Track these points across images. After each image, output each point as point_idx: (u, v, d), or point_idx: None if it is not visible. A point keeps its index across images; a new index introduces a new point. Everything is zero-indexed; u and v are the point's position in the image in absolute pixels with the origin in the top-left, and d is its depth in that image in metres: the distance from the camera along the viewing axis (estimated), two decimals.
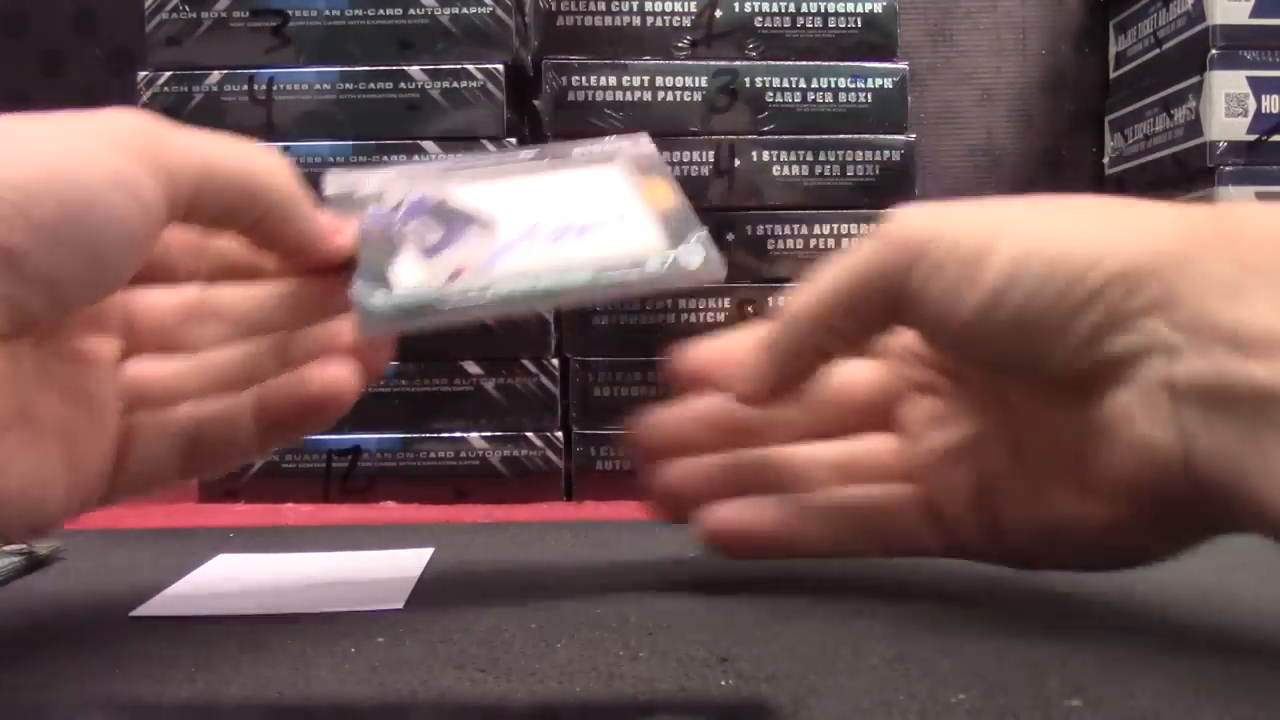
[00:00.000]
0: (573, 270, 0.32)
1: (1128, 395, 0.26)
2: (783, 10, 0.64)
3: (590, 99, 0.63)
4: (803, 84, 0.64)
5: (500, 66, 0.61)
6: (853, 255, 0.30)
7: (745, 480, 0.34)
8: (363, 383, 0.31)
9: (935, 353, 0.33)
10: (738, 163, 0.64)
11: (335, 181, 0.36)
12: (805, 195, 0.64)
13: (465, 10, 0.62)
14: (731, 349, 0.34)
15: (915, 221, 0.29)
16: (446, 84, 0.62)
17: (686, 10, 0.64)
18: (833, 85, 0.64)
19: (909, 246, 0.29)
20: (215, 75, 0.61)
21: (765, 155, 0.64)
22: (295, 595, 0.36)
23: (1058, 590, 0.33)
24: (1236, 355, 0.25)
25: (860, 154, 0.64)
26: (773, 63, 0.64)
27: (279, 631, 0.30)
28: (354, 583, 0.38)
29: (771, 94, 0.64)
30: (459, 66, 0.61)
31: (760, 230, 0.64)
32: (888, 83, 0.65)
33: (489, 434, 0.61)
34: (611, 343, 0.62)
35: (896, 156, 0.64)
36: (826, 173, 0.64)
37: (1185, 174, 0.74)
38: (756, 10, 0.64)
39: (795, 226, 0.64)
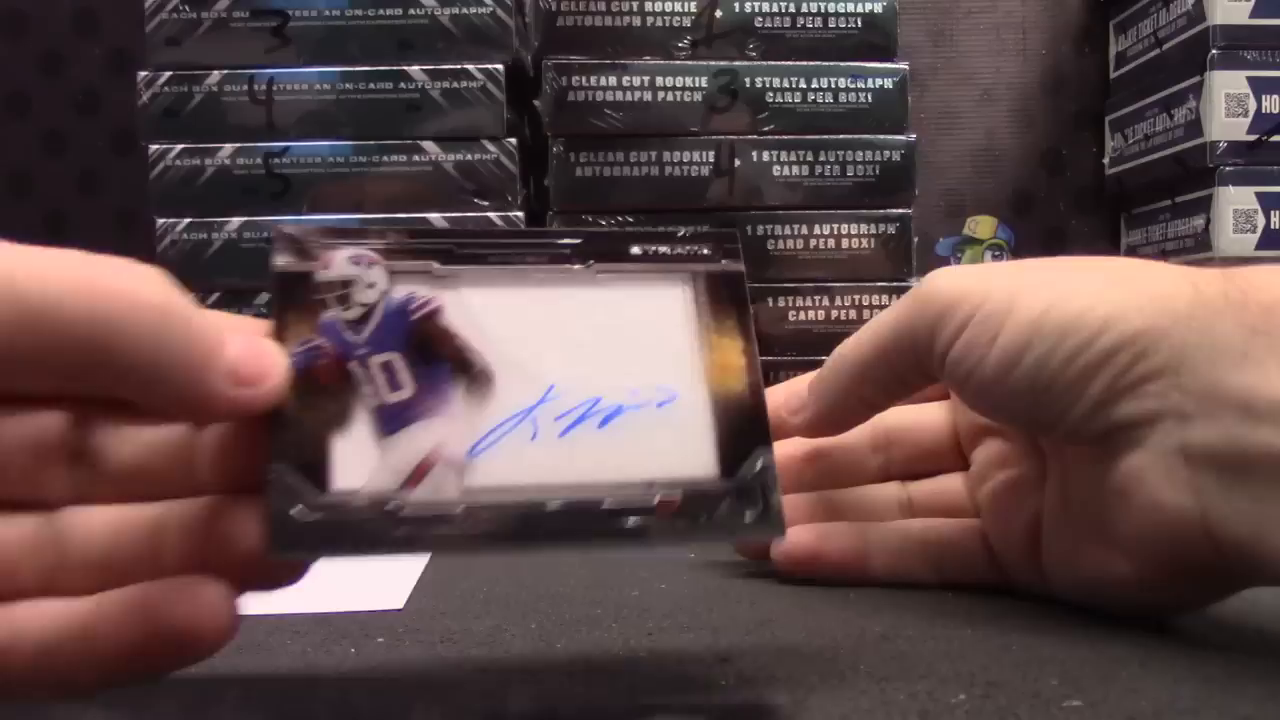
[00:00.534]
0: (577, 497, 0.23)
1: (1143, 459, 0.27)
2: (783, 10, 0.64)
3: (590, 99, 0.63)
4: (803, 84, 0.64)
5: (500, 66, 0.61)
6: (889, 313, 0.32)
7: (817, 512, 0.37)
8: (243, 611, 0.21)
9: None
10: (738, 163, 0.63)
11: (287, 249, 0.24)
12: (805, 195, 0.64)
13: (465, 10, 0.62)
14: (796, 386, 0.36)
15: (943, 284, 0.31)
16: (446, 84, 0.62)
17: (686, 10, 0.64)
18: (833, 85, 0.64)
19: (935, 308, 0.30)
20: (215, 75, 0.61)
21: (765, 155, 0.64)
22: (295, 595, 0.36)
23: None
24: (1248, 422, 0.25)
25: (860, 154, 0.64)
26: (773, 63, 0.64)
27: (279, 631, 0.30)
28: (354, 583, 0.38)
29: (771, 94, 0.64)
30: (459, 66, 0.61)
31: (760, 230, 0.64)
32: (888, 83, 0.65)
33: None
34: None
35: (896, 157, 0.64)
36: (826, 173, 0.64)
37: (1185, 174, 0.74)
38: (756, 10, 0.64)
39: (795, 226, 0.64)
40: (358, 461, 0.22)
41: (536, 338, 0.25)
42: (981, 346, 0.29)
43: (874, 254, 0.64)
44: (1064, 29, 0.86)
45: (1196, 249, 0.74)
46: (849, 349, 0.33)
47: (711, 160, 0.63)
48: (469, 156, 0.62)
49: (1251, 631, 0.30)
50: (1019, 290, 0.29)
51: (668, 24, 0.64)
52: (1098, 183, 0.86)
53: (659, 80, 0.63)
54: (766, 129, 0.64)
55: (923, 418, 0.37)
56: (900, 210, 0.65)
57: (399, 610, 0.33)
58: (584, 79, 0.63)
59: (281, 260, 0.24)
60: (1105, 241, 0.86)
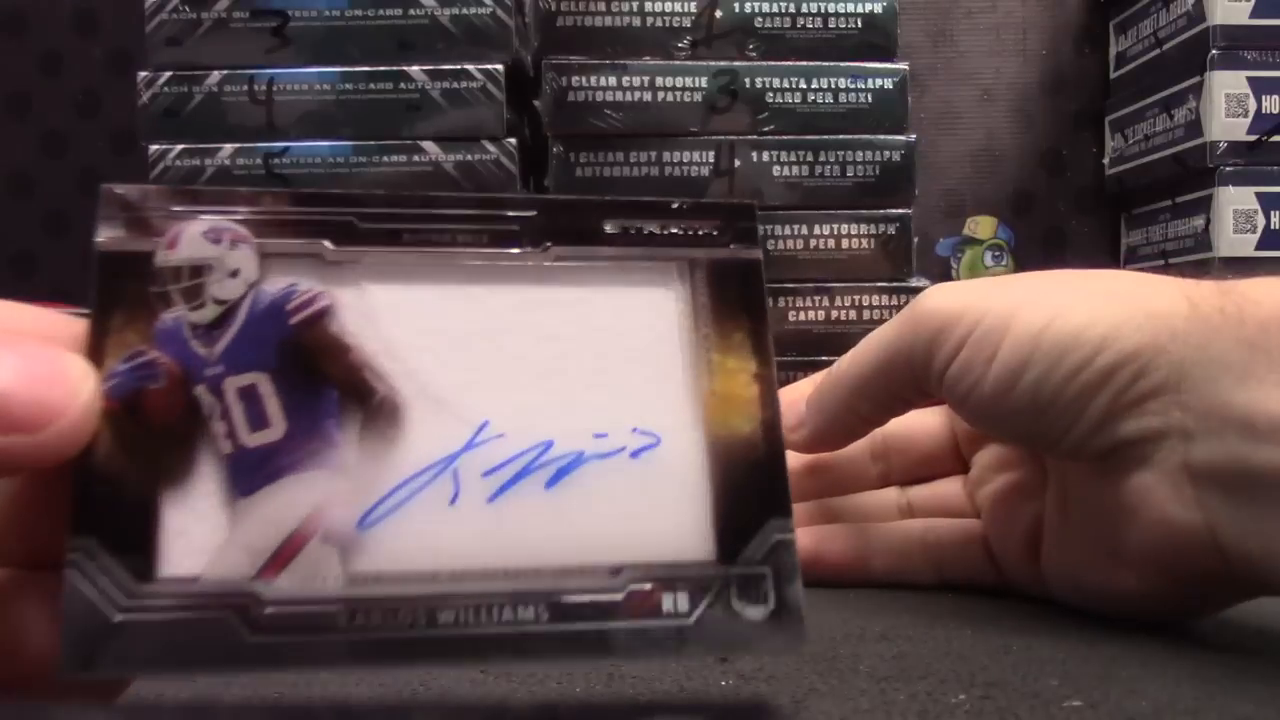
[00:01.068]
0: (510, 590, 0.16)
1: (1149, 476, 0.27)
2: (783, 11, 0.64)
3: (590, 99, 0.63)
4: (803, 84, 0.64)
5: (500, 67, 0.61)
6: (885, 330, 0.32)
7: (816, 517, 0.37)
8: None
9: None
10: (738, 163, 0.63)
11: (117, 217, 0.17)
12: (805, 195, 0.64)
13: (465, 10, 0.62)
14: (793, 398, 0.36)
15: (939, 301, 0.30)
16: (446, 84, 0.62)
17: (686, 10, 0.64)
18: (833, 86, 0.64)
19: (932, 326, 0.30)
20: (215, 75, 0.61)
21: (765, 155, 0.64)
22: None
23: None
24: (1251, 441, 0.25)
25: (860, 154, 0.64)
26: (773, 63, 0.64)
27: None
28: None
29: (771, 94, 0.64)
30: (459, 67, 0.61)
31: (760, 230, 0.63)
32: (888, 83, 0.65)
33: None
34: None
35: (896, 157, 0.64)
36: (826, 173, 0.64)
37: (1185, 174, 0.74)
38: (756, 11, 0.64)
39: (795, 227, 0.64)
40: (198, 536, 0.16)
41: (465, 355, 0.18)
42: (980, 365, 0.29)
43: (874, 254, 0.64)
44: (1064, 29, 0.86)
45: (1196, 249, 0.74)
46: (846, 366, 0.33)
47: (711, 160, 0.63)
48: (469, 157, 0.62)
49: (1252, 632, 0.30)
50: (1016, 307, 0.29)
51: (668, 24, 0.64)
52: (1098, 183, 0.86)
53: (659, 80, 0.63)
54: (766, 129, 0.64)
55: (922, 424, 0.37)
56: (900, 210, 0.65)
57: None
58: (584, 79, 0.63)
59: (107, 234, 0.17)
60: (1105, 242, 0.86)
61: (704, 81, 0.63)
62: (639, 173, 0.63)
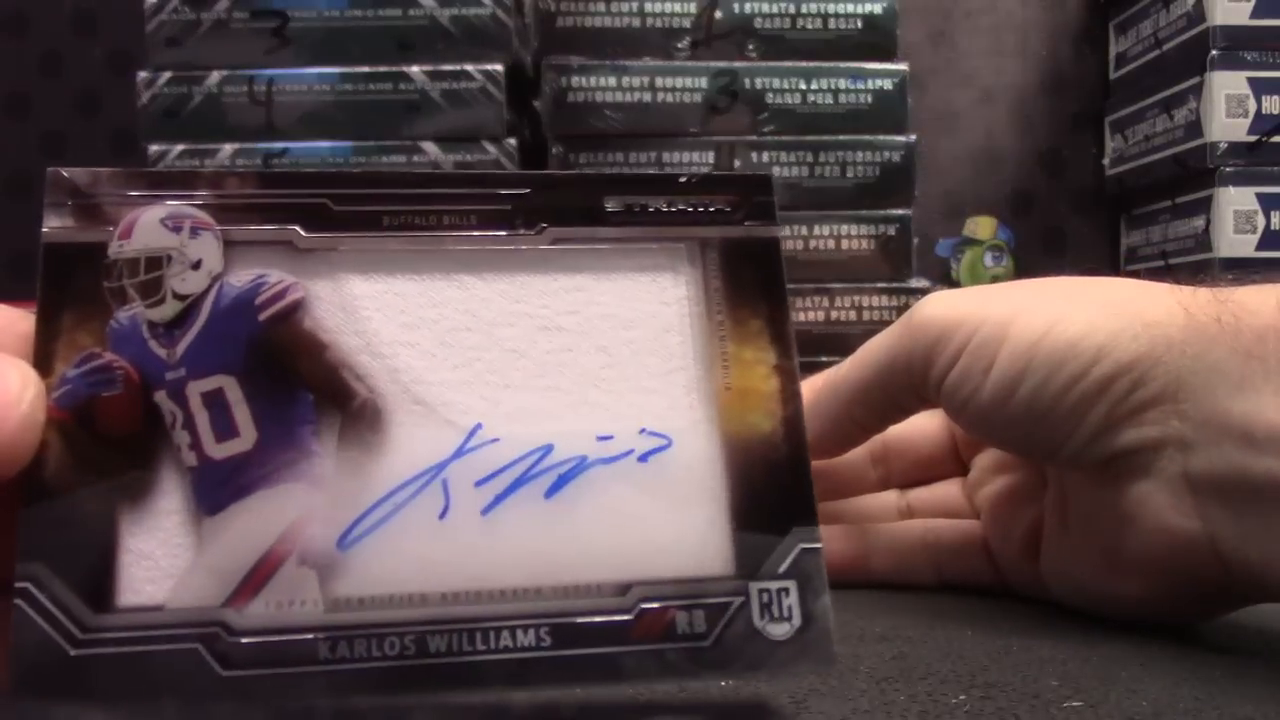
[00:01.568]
0: (506, 613, 0.15)
1: (1148, 486, 0.27)
2: (783, 11, 0.64)
3: (590, 99, 0.63)
4: (803, 85, 0.64)
5: (500, 67, 0.61)
6: (883, 339, 0.32)
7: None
8: None
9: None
10: (737, 163, 0.63)
11: (66, 205, 0.16)
12: (805, 196, 0.64)
13: (465, 11, 0.62)
14: None
15: (936, 310, 0.30)
16: (446, 84, 0.62)
17: (686, 11, 0.64)
18: (833, 86, 0.64)
19: (929, 335, 0.30)
20: (215, 75, 0.61)
21: (765, 156, 0.64)
22: None
23: None
24: (1250, 451, 0.25)
25: (860, 155, 0.64)
26: (773, 63, 0.64)
27: None
28: None
29: (771, 95, 0.64)
30: (459, 67, 0.61)
31: None
32: (888, 84, 0.65)
33: None
34: None
35: (896, 157, 0.64)
36: (826, 173, 0.64)
37: (1185, 175, 0.74)
38: (756, 11, 0.64)
39: (795, 227, 0.64)
40: (161, 560, 0.14)
41: (454, 351, 0.16)
42: (977, 375, 0.29)
43: (874, 255, 0.64)
44: (1064, 30, 0.86)
45: (1197, 250, 0.74)
46: (844, 375, 0.33)
47: (711, 161, 0.63)
48: (469, 157, 0.62)
49: (1252, 633, 0.30)
50: (1013, 316, 0.29)
51: (667, 24, 0.64)
52: (1097, 183, 0.86)
53: (659, 81, 0.63)
54: (766, 130, 0.64)
55: (921, 427, 0.37)
56: (900, 211, 0.65)
57: None
58: (584, 79, 0.63)
59: (54, 223, 0.16)
60: (1105, 243, 0.86)
61: (704, 82, 0.63)
62: None
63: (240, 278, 0.15)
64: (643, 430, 0.16)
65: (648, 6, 0.63)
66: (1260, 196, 0.71)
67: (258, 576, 0.14)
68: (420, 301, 0.16)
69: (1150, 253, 0.80)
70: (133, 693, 0.13)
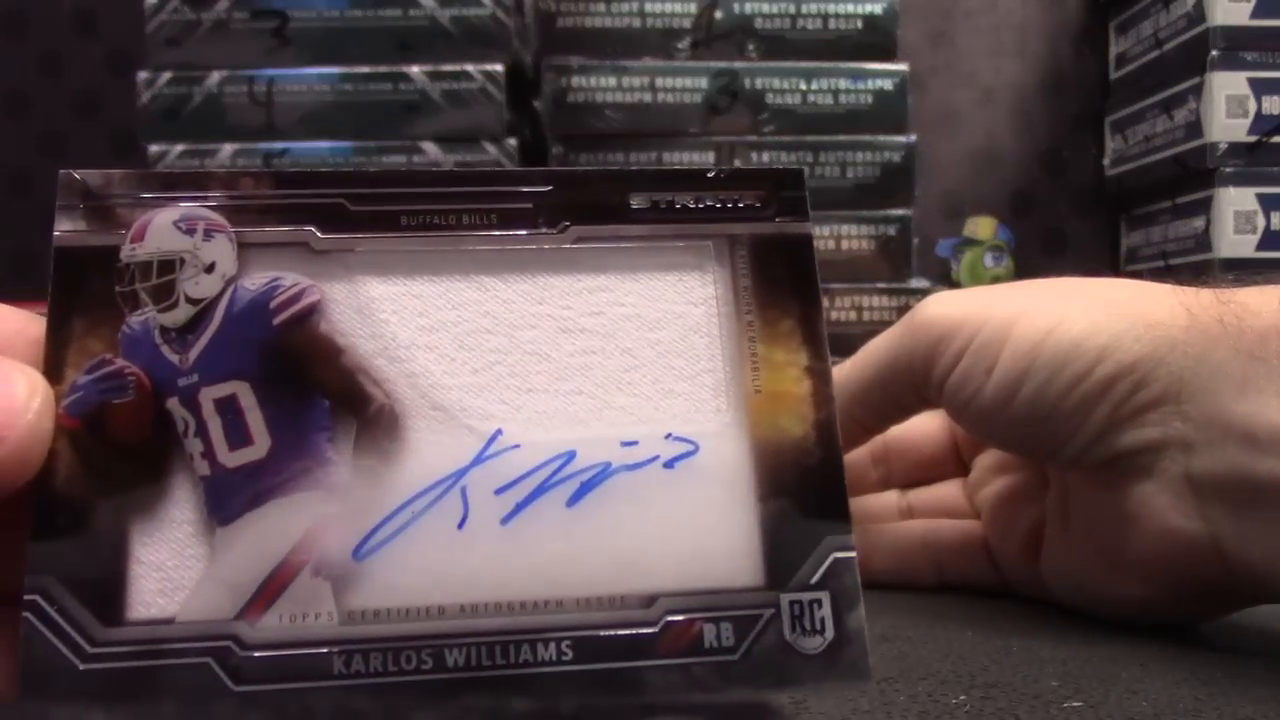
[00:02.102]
0: (528, 626, 0.14)
1: (1151, 487, 0.27)
2: (783, 11, 0.64)
3: (590, 99, 0.63)
4: (803, 85, 0.64)
5: (500, 67, 0.61)
6: (884, 339, 0.32)
7: None
8: None
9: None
10: (738, 163, 0.63)
11: (78, 208, 0.15)
12: None
13: (465, 11, 0.62)
14: None
15: (938, 310, 0.30)
16: (446, 84, 0.62)
17: (686, 11, 0.64)
18: (833, 86, 0.64)
19: (931, 336, 0.30)
20: (215, 76, 0.61)
21: (765, 156, 0.64)
22: None
23: None
24: (1253, 453, 0.25)
25: (860, 155, 0.64)
26: (773, 64, 0.64)
27: None
28: None
29: (771, 95, 0.64)
30: (459, 67, 0.61)
31: None
32: (888, 84, 0.65)
33: None
34: None
35: (896, 157, 0.64)
36: (826, 173, 0.64)
37: (1186, 175, 0.74)
38: (756, 11, 0.64)
39: None
40: (173, 571, 0.14)
41: (474, 354, 0.15)
42: (979, 376, 0.29)
43: (874, 255, 0.64)
44: (1064, 30, 0.86)
45: (1197, 250, 0.74)
46: (845, 375, 0.33)
47: (711, 161, 0.63)
48: (469, 157, 0.62)
49: (1252, 633, 0.30)
50: (1015, 317, 0.29)
51: (667, 24, 0.64)
52: (1098, 184, 0.86)
53: (659, 81, 0.63)
54: (766, 130, 0.64)
55: (922, 427, 0.37)
56: (900, 211, 0.65)
57: None
58: (584, 79, 0.63)
59: (66, 226, 0.15)
60: (1105, 243, 0.86)
61: (704, 82, 0.63)
62: None
63: (255, 281, 0.15)
64: (669, 435, 0.16)
65: (648, 6, 0.63)
66: (1260, 197, 0.71)
67: (271, 588, 0.14)
68: (439, 303, 0.15)
69: (1150, 253, 0.80)
70: (142, 708, 0.13)
